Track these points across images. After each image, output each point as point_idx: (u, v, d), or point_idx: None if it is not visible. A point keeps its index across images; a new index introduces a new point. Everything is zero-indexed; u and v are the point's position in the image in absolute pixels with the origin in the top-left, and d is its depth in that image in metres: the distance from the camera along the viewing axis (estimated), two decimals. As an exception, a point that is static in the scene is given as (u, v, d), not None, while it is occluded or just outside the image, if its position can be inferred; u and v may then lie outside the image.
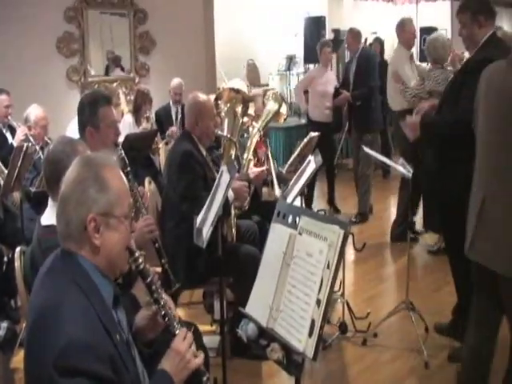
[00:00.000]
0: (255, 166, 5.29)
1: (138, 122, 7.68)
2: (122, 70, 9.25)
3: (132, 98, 8.43)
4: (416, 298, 5.16)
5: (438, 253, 6.59)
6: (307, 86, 8.47)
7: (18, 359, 4.04)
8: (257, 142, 5.50)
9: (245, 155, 5.19)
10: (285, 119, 6.20)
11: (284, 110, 5.94)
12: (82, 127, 3.68)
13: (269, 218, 5.14)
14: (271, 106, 5.82)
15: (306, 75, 8.54)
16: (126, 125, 7.48)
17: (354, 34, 8.17)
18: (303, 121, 11.76)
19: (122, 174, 2.25)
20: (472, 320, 3.63)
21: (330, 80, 8.43)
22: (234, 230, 4.62)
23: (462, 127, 3.85)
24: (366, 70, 7.91)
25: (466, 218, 3.60)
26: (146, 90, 7.97)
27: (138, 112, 7.72)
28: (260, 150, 5.80)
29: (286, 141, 10.94)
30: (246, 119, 5.38)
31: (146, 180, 4.85)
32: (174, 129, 7.74)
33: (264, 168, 5.30)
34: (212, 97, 5.27)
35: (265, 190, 6.05)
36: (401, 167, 4.95)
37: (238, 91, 5.32)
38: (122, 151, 3.63)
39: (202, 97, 4.70)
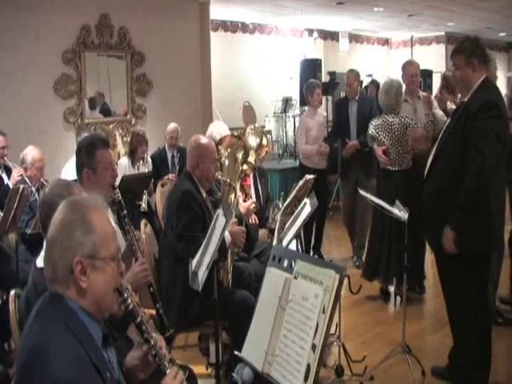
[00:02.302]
0: (244, 201, 5.32)
1: (133, 164, 7.71)
2: (101, 112, 9.21)
3: (128, 139, 8.49)
4: (412, 341, 5.14)
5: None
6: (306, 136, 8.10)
7: (11, 403, 3.99)
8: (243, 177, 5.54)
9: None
10: (266, 152, 6.19)
11: (265, 141, 5.98)
12: (79, 169, 3.70)
13: (252, 255, 5.21)
14: (252, 141, 5.87)
15: (300, 129, 8.18)
16: (122, 167, 7.52)
17: (357, 74, 8.04)
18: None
19: (108, 215, 2.24)
20: None
21: (321, 123, 8.22)
22: (230, 275, 4.62)
23: (490, 173, 3.93)
24: (370, 113, 7.58)
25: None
26: (141, 131, 8.03)
27: (133, 154, 7.76)
28: (246, 183, 5.83)
29: (282, 183, 10.95)
30: (245, 167, 5.41)
31: (142, 222, 4.85)
32: (171, 176, 7.72)
33: (252, 201, 5.33)
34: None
35: (262, 232, 6.04)
36: (396, 210, 4.95)
37: (239, 138, 5.38)
38: (119, 194, 3.64)
39: (204, 140, 4.74)
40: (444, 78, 6.47)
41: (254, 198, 5.87)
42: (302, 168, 8.19)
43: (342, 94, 13.34)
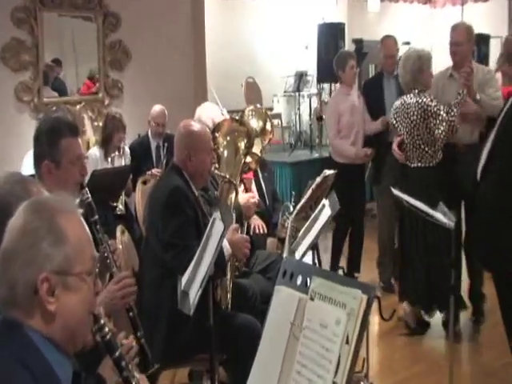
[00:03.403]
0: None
1: (107, 155, 7.71)
2: (53, 89, 9.15)
3: (100, 124, 8.48)
4: (463, 383, 5.13)
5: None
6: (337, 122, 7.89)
7: None
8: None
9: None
10: (270, 139, 6.19)
11: (269, 126, 6.00)
12: (37, 160, 3.70)
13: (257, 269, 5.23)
14: (254, 125, 5.88)
15: (330, 115, 8.05)
16: (93, 160, 7.49)
17: (396, 41, 7.93)
18: (316, 154, 11.83)
19: (82, 219, 2.23)
20: None
21: (357, 104, 7.97)
22: (229, 295, 4.64)
23: None
24: None
25: None
26: (117, 114, 8.01)
27: (107, 143, 7.75)
28: (247, 177, 5.85)
29: (294, 180, 10.90)
30: (248, 159, 5.42)
31: (118, 229, 4.86)
32: (156, 171, 7.73)
33: (254, 195, 5.34)
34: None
35: (270, 241, 6.06)
36: (440, 215, 4.94)
37: (241, 122, 5.39)
38: (89, 195, 3.65)
39: (197, 126, 4.76)
40: (505, 43, 6.40)
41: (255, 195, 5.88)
42: (331, 163, 7.73)
43: (371, 68, 13.31)
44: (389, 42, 8.01)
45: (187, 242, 4.30)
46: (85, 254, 2.16)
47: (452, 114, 6.08)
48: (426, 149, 6.28)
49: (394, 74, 7.70)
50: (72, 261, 2.10)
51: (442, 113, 6.14)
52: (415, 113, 6.25)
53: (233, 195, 5.04)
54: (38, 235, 2.08)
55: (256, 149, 5.62)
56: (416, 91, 6.34)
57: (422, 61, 6.40)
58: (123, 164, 7.75)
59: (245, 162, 5.33)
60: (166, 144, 8.12)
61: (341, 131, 7.89)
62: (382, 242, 8.07)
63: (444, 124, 6.12)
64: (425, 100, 6.25)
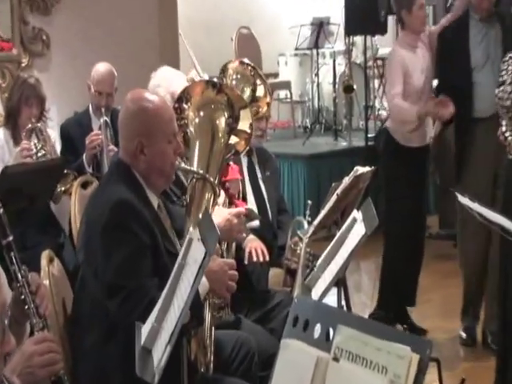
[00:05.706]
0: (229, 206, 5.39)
1: (17, 140, 7.63)
2: None
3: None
4: None
5: None
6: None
7: None
8: (225, 164, 5.49)
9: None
10: (266, 116, 6.17)
11: (262, 91, 5.91)
12: None
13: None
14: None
15: (394, 67, 7.95)
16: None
17: None
18: (343, 143, 11.82)
19: None
20: None
21: (428, 61, 8.00)
22: (210, 350, 4.63)
23: None
24: None
25: None
26: (31, 78, 7.90)
27: (14, 122, 7.67)
28: (232, 178, 5.82)
29: (312, 180, 10.87)
30: (233, 139, 5.39)
31: (44, 255, 4.86)
32: (92, 139, 7.73)
33: (241, 209, 5.36)
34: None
35: (273, 273, 6.08)
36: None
37: (220, 87, 5.34)
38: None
39: (154, 99, 4.72)
40: None
41: (252, 206, 5.88)
42: (389, 147, 8.08)
43: (429, 11, 13.33)
44: None
45: (140, 282, 4.24)
46: None
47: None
48: (507, 134, 6.14)
49: (494, 19, 7.65)
50: None
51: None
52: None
53: (208, 194, 4.88)
54: None
55: (244, 124, 5.45)
56: None
57: None
58: (40, 154, 7.59)
59: (228, 145, 5.21)
60: (111, 123, 7.90)
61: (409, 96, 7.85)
62: (467, 271, 7.98)
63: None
64: None
